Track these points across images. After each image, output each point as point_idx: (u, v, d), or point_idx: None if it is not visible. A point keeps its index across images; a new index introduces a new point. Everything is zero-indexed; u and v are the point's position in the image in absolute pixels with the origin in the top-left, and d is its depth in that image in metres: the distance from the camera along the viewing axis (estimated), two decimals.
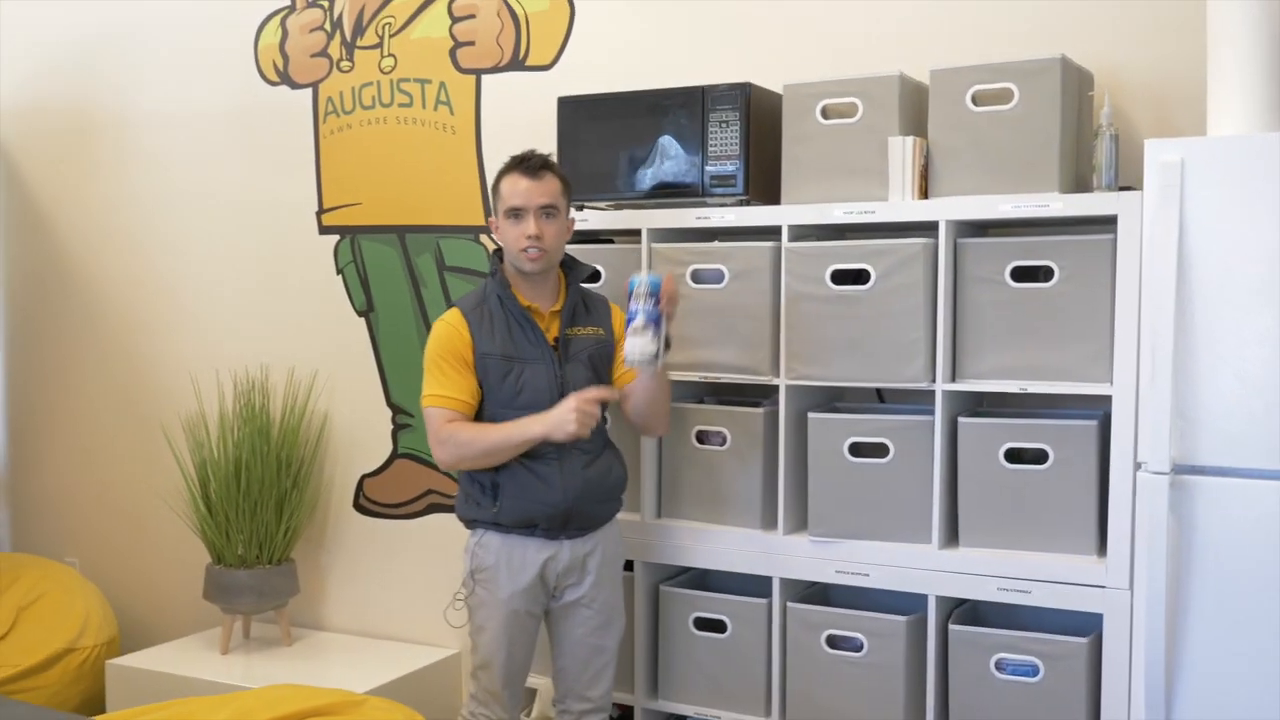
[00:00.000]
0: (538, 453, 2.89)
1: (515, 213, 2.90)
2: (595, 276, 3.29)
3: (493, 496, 2.94)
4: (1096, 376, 2.81)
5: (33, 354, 4.80)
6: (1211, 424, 2.27)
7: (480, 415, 2.94)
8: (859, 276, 3.01)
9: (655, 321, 2.83)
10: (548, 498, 2.90)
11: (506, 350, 2.92)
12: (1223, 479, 2.27)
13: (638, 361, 2.84)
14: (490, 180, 3.80)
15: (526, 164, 2.92)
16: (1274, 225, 2.23)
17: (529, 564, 2.94)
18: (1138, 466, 2.29)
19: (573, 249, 3.36)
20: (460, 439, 2.88)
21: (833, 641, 3.07)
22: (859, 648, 3.03)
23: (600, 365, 3.02)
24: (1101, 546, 2.84)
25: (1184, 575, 2.30)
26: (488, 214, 3.93)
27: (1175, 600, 2.29)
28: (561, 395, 2.89)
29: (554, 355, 2.95)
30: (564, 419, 2.81)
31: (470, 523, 3.03)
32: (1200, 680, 2.32)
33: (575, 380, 2.94)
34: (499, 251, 3.01)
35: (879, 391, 3.32)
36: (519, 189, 2.90)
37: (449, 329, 2.94)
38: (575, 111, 3.36)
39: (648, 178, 3.25)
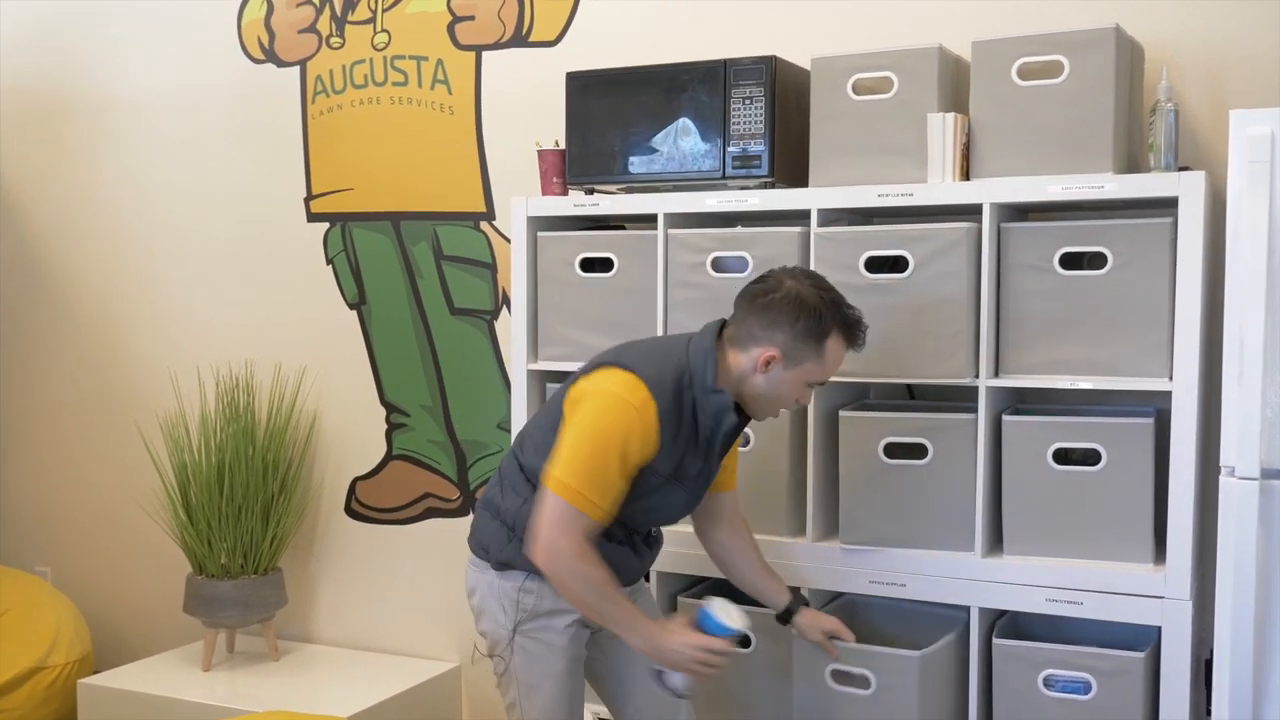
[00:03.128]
0: (619, 537, 2.49)
1: (819, 382, 2.49)
2: None
3: None
4: (1154, 371, 2.61)
5: (0, 349, 4.56)
6: None
7: None
8: (896, 264, 2.80)
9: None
10: (616, 573, 2.43)
11: (673, 470, 2.44)
12: None
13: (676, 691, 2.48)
14: (494, 157, 3.66)
15: (860, 338, 2.47)
16: None
17: None
18: (1219, 470, 2.09)
19: (579, 235, 3.16)
20: (584, 574, 2.34)
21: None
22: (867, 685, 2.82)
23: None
24: (1159, 554, 2.64)
25: (1270, 586, 2.10)
26: (489, 200, 3.71)
27: (1262, 618, 2.09)
28: (676, 519, 2.55)
29: (704, 485, 2.55)
30: (679, 660, 2.38)
31: (503, 565, 2.52)
32: None
33: (697, 501, 2.59)
34: (713, 353, 2.43)
35: (909, 388, 3.12)
36: (839, 360, 2.46)
37: (640, 424, 2.35)
38: (585, 88, 3.14)
39: (664, 159, 3.03)
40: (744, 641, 2.49)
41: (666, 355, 2.44)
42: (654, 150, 3.04)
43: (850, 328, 2.45)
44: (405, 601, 3.92)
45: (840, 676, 2.68)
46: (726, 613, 2.43)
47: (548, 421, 2.49)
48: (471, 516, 3.73)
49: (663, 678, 2.45)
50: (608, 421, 2.34)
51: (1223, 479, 2.08)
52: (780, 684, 2.93)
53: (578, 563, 2.33)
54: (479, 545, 2.59)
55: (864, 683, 2.65)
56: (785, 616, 2.73)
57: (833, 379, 2.82)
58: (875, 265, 2.81)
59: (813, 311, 2.39)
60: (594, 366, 2.47)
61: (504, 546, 2.52)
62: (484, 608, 2.57)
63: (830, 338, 2.41)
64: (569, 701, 2.56)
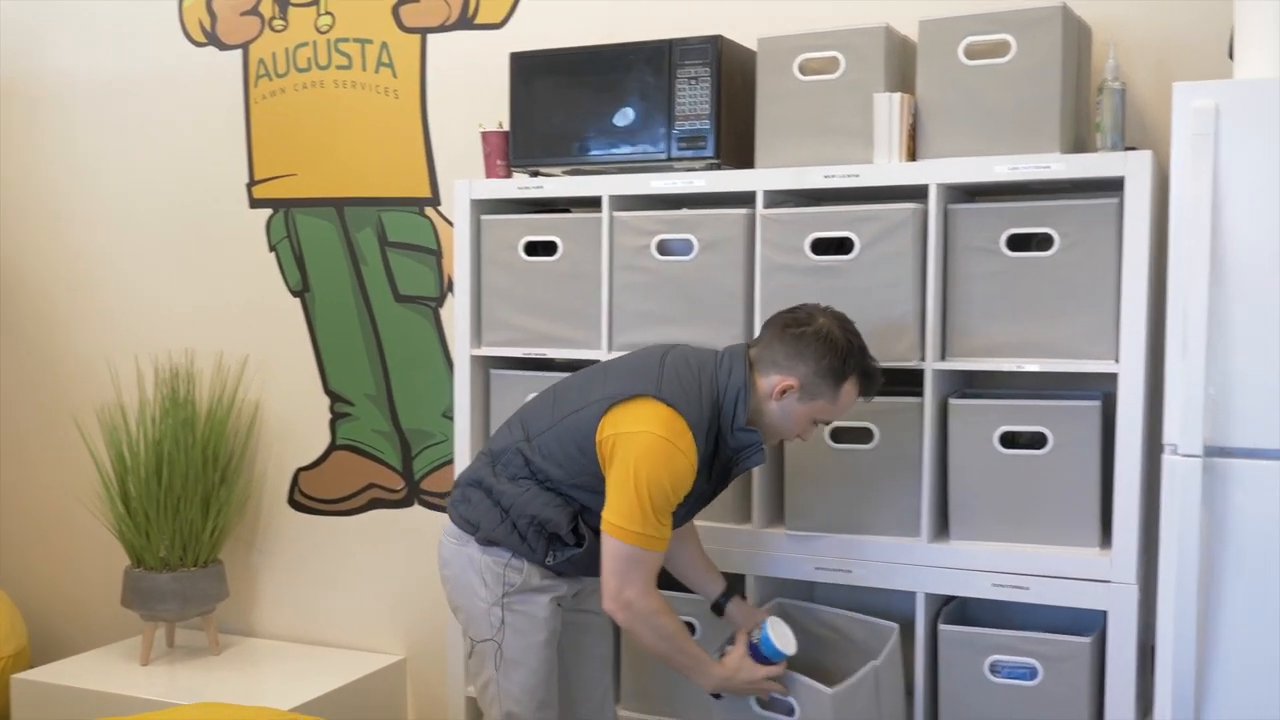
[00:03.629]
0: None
1: (825, 421, 2.56)
2: None
3: (545, 545, 2.50)
4: (1100, 353, 2.59)
5: None
6: (1246, 402, 2.04)
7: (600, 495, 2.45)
8: (841, 246, 2.76)
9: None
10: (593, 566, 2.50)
11: (695, 490, 2.47)
12: (1259, 461, 2.04)
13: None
14: (439, 142, 3.60)
15: (873, 386, 2.51)
16: None
17: (566, 581, 2.59)
18: (1163, 449, 2.06)
19: (523, 219, 3.11)
20: (659, 627, 2.43)
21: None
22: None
23: None
24: (1105, 538, 2.62)
25: (1214, 568, 2.07)
26: (434, 185, 3.65)
27: (1204, 595, 2.06)
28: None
29: (700, 504, 2.59)
30: (747, 692, 2.53)
31: (489, 542, 2.53)
32: (1232, 682, 2.10)
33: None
34: (745, 388, 2.45)
35: None
36: (851, 403, 2.50)
37: (689, 470, 2.39)
38: (529, 69, 3.09)
39: (609, 140, 2.98)
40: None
41: (702, 387, 2.44)
42: (599, 132, 2.99)
43: (868, 377, 2.49)
44: (349, 594, 3.85)
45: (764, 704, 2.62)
46: (784, 638, 2.54)
47: (570, 436, 2.46)
48: (417, 506, 3.74)
49: (717, 696, 2.57)
50: (658, 465, 2.36)
51: (1165, 457, 2.05)
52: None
53: (655, 618, 2.42)
54: (464, 519, 2.57)
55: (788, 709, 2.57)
56: (718, 607, 2.72)
57: None
58: (821, 247, 2.77)
59: (840, 352, 2.43)
60: (631, 394, 2.42)
61: (495, 527, 2.51)
62: (460, 580, 2.57)
63: (848, 381, 2.46)
64: (548, 676, 2.56)
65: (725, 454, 2.49)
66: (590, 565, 2.48)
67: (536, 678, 2.54)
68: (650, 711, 3.01)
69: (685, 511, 2.52)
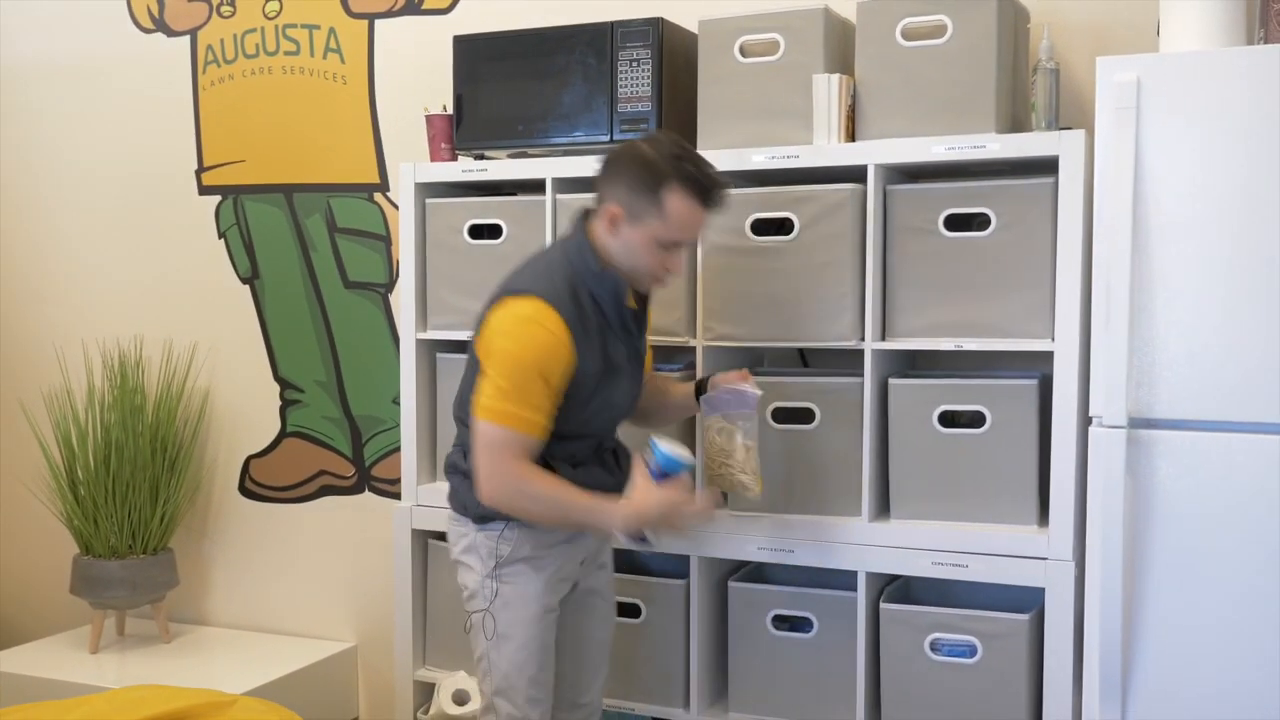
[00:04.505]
0: (583, 457, 2.48)
1: (674, 244, 2.39)
2: None
3: None
4: (1037, 332, 2.60)
5: None
6: (1170, 373, 2.06)
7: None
8: (781, 226, 2.77)
9: None
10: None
11: (601, 366, 2.42)
12: (1182, 433, 2.06)
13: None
14: (388, 128, 3.59)
15: (711, 195, 2.37)
16: (1239, 152, 2.02)
17: (559, 554, 2.53)
18: (1090, 421, 2.07)
19: (467, 202, 3.10)
20: (530, 491, 2.36)
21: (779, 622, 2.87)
22: (809, 628, 2.83)
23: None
24: (1043, 516, 2.64)
25: (1140, 538, 2.08)
26: (383, 171, 3.64)
27: (1130, 566, 2.08)
28: (630, 408, 2.54)
29: (639, 366, 2.54)
30: (662, 520, 2.36)
31: (482, 518, 2.50)
32: (1158, 650, 2.12)
33: (638, 388, 2.58)
34: (584, 239, 2.43)
35: (802, 353, 3.09)
36: (693, 220, 2.37)
37: (553, 341, 2.34)
38: (472, 52, 3.09)
39: (551, 123, 2.98)
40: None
41: (553, 265, 2.43)
42: (542, 115, 2.99)
43: (695, 183, 2.35)
44: (301, 581, 3.84)
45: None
46: (678, 449, 2.40)
47: (469, 374, 2.48)
48: (368, 493, 3.74)
49: (642, 540, 2.43)
50: (523, 347, 2.33)
51: (1091, 429, 2.06)
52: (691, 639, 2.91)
53: (521, 483, 2.35)
54: (459, 504, 2.57)
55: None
56: (701, 389, 2.66)
57: (725, 343, 2.81)
58: (761, 228, 2.78)
59: (648, 163, 2.35)
60: (492, 302, 2.44)
61: (470, 494, 2.49)
62: (463, 560, 2.56)
63: (668, 190, 2.34)
64: (540, 651, 2.51)
65: (619, 311, 2.44)
66: None
67: (526, 651, 2.49)
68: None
69: (628, 380, 2.50)
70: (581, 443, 2.50)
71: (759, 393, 2.56)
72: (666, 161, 2.35)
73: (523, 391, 2.33)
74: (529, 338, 2.33)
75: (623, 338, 2.48)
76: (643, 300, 2.55)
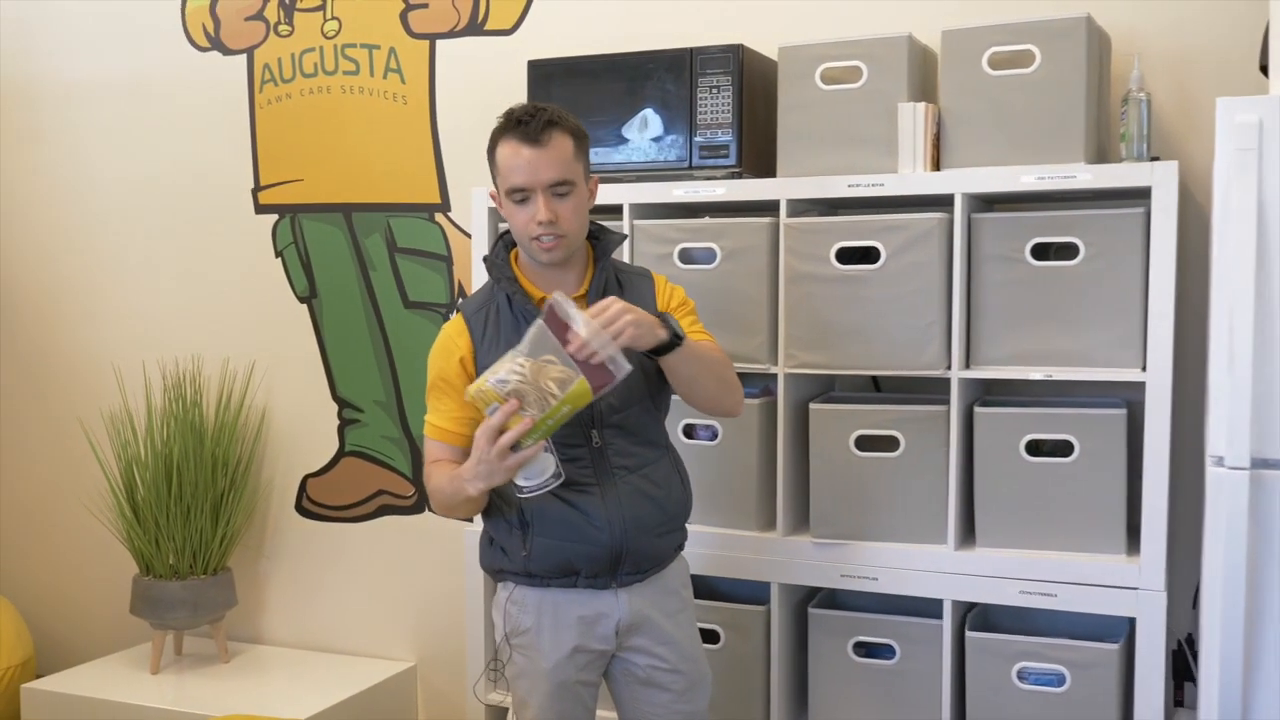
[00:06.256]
0: (569, 476, 2.24)
1: (519, 193, 2.25)
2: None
3: (521, 537, 2.32)
4: (1126, 362, 2.61)
5: None
6: None
7: None
8: (867, 255, 2.77)
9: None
10: (587, 535, 2.28)
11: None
12: None
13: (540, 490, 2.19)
14: (449, 148, 3.57)
15: (525, 127, 2.23)
16: None
17: (578, 622, 2.34)
18: (1211, 461, 2.08)
19: None
20: (431, 487, 2.31)
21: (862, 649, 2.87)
22: (891, 655, 2.83)
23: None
24: (1132, 545, 2.64)
25: (1259, 579, 2.09)
26: (444, 191, 3.64)
27: (1250, 606, 2.08)
28: (607, 409, 2.29)
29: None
30: (487, 469, 2.13)
31: (496, 574, 2.41)
32: (1278, 688, 2.12)
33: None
34: (505, 234, 2.41)
35: (875, 380, 3.10)
36: (519, 162, 2.23)
37: (445, 341, 2.35)
38: (547, 77, 3.08)
39: (630, 149, 2.98)
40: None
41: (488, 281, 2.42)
42: (619, 140, 2.99)
43: (505, 122, 2.27)
44: (358, 601, 3.84)
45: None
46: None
47: None
48: (428, 513, 3.73)
49: (520, 491, 2.20)
50: (430, 354, 2.38)
51: (1211, 469, 2.06)
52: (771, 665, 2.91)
53: (430, 484, 2.33)
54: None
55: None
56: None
57: (807, 370, 2.81)
58: (846, 256, 2.78)
59: (492, 135, 2.31)
60: None
61: (485, 549, 2.45)
62: (494, 612, 2.47)
63: (499, 146, 2.28)
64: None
65: (523, 306, 2.31)
66: (567, 543, 2.29)
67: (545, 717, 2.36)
68: None
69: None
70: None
71: (629, 368, 2.11)
72: (500, 122, 2.30)
73: (433, 399, 2.36)
74: (434, 345, 2.39)
75: None
76: (608, 287, 2.36)
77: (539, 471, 2.16)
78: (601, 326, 2.08)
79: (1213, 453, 2.07)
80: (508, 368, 2.10)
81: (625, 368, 2.08)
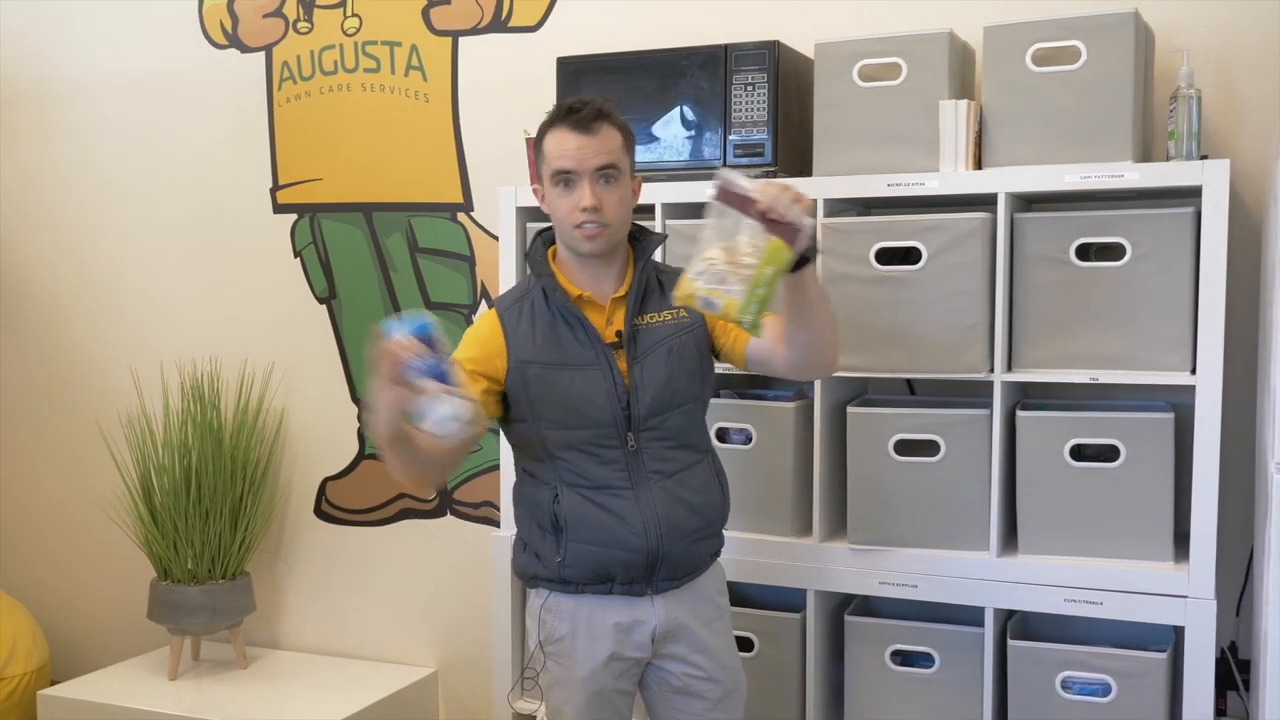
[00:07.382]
0: (603, 480, 2.26)
1: (564, 178, 2.24)
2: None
3: (555, 542, 2.28)
4: (1174, 365, 2.56)
5: None
6: None
7: (531, 439, 2.31)
8: (907, 256, 2.71)
9: (439, 376, 2.03)
10: (623, 540, 2.25)
11: (551, 356, 2.26)
12: None
13: (445, 434, 2.04)
14: (472, 147, 3.51)
15: (577, 115, 2.23)
16: None
17: (614, 629, 2.31)
18: (1275, 468, 2.02)
19: None
20: (388, 460, 2.20)
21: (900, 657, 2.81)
22: (930, 664, 2.77)
23: (686, 357, 2.32)
24: (1180, 552, 2.58)
25: None
26: (466, 191, 3.58)
27: None
28: (630, 405, 2.26)
29: (611, 356, 2.27)
30: (390, 396, 2.04)
31: (530, 580, 2.38)
32: None
33: (652, 381, 2.27)
34: (544, 231, 2.39)
35: (909, 383, 3.04)
36: (568, 148, 2.23)
37: (478, 331, 2.32)
38: (577, 74, 3.02)
39: (662, 147, 2.92)
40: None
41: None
42: (652, 138, 2.93)
43: (555, 112, 2.29)
44: (378, 606, 3.78)
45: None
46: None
47: None
48: (450, 516, 3.67)
49: (429, 429, 2.05)
50: (462, 339, 2.35)
51: (1276, 475, 2.02)
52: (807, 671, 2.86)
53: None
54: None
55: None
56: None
57: (846, 373, 2.75)
58: (886, 257, 2.73)
59: (541, 127, 2.32)
60: None
61: (519, 554, 2.41)
62: (528, 618, 2.44)
63: (548, 134, 2.29)
64: None
65: (561, 305, 2.29)
66: (603, 548, 2.25)
67: None
68: None
69: (606, 380, 2.25)
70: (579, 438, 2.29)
71: (812, 222, 2.05)
72: (551, 113, 2.31)
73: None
74: (467, 333, 2.36)
75: (576, 327, 2.28)
76: (648, 287, 2.35)
77: (437, 412, 2.00)
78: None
79: (1277, 459, 2.02)
80: (700, 263, 2.05)
81: (808, 222, 2.02)
